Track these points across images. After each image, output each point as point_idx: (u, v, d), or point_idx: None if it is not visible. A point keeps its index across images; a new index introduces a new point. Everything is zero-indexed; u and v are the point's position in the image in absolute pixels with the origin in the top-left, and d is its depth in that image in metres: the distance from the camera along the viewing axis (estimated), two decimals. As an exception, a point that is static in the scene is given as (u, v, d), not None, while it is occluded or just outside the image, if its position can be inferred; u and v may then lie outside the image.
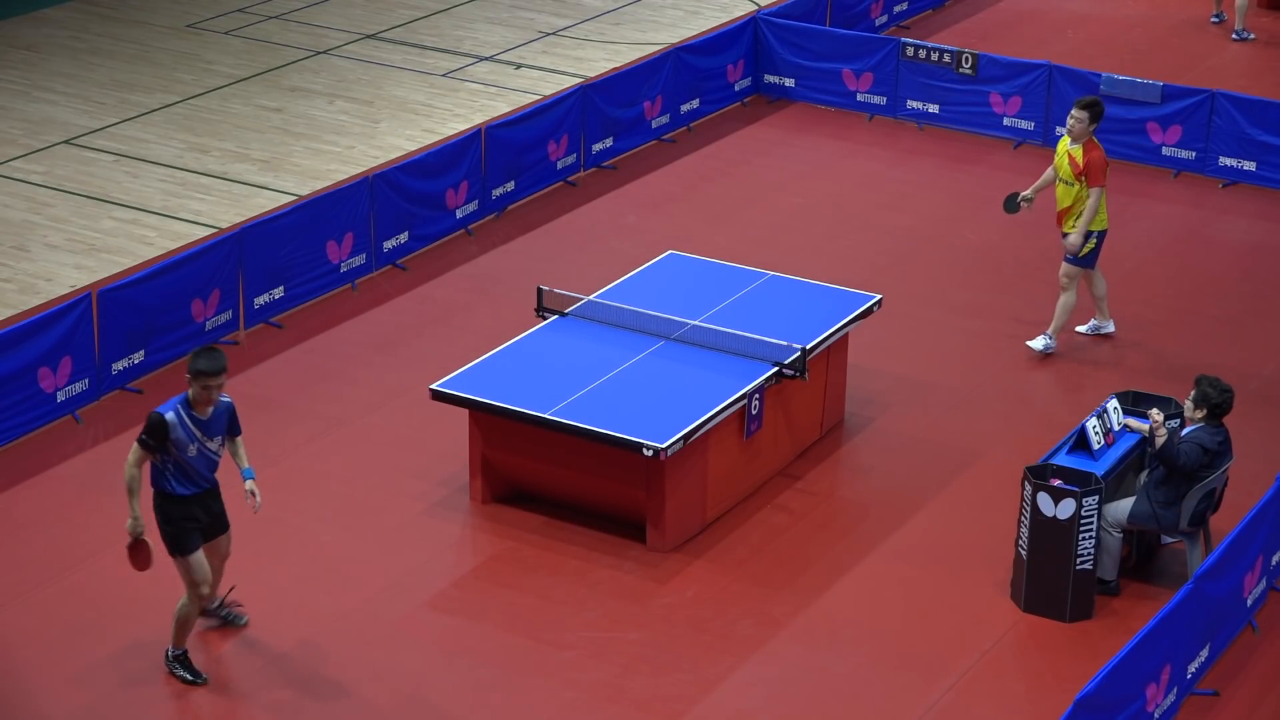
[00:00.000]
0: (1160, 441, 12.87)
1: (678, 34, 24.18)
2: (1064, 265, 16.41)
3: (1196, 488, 12.94)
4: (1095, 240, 16.25)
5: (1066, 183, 16.18)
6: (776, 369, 14.26)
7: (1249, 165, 20.15)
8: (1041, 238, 18.86)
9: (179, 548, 12.07)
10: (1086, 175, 16.02)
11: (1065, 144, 16.24)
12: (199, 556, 12.12)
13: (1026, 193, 16.67)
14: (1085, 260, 16.28)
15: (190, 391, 11.96)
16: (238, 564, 13.55)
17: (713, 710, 12.25)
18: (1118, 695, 11.17)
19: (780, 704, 12.30)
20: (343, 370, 16.29)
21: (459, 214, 18.87)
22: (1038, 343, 16.57)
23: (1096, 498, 12.79)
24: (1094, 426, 13.45)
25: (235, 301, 16.78)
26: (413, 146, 20.48)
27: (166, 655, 12.43)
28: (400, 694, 12.32)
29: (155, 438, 11.89)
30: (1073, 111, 16.11)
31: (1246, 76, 23.07)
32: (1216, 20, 25.14)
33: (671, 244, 17.29)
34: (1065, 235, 16.30)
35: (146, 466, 12.09)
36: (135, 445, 11.97)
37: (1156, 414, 12.94)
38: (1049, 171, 16.59)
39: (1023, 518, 13.01)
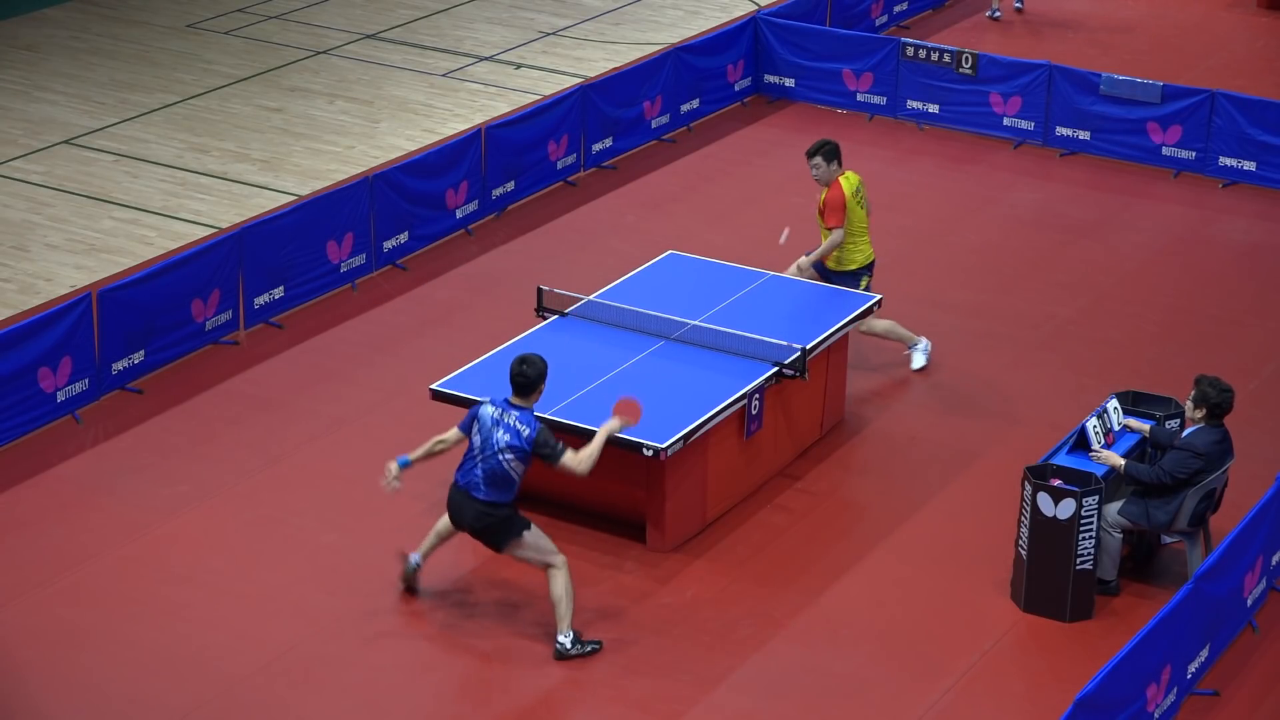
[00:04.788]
0: (1124, 470, 13.03)
1: (678, 34, 24.17)
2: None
3: (1196, 488, 12.93)
4: (867, 277, 15.52)
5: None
6: (776, 369, 14.25)
7: (1249, 165, 20.14)
8: (1042, 237, 18.86)
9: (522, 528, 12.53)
10: (823, 214, 15.44)
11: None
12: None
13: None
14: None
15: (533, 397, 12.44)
16: (237, 563, 13.57)
17: (713, 710, 12.25)
18: (1118, 695, 11.16)
19: (780, 704, 12.30)
20: (343, 370, 16.29)
21: (459, 214, 18.86)
22: (917, 360, 16.03)
23: (1096, 498, 12.79)
24: (1094, 426, 13.45)
25: (235, 301, 16.77)
26: (413, 146, 20.47)
27: (563, 647, 12.52)
28: (399, 694, 12.31)
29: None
30: (809, 162, 15.45)
31: (1246, 76, 23.06)
32: (994, 15, 25.11)
33: (671, 244, 17.27)
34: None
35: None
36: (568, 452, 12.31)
37: (1109, 457, 13.14)
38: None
39: (1023, 518, 13.00)
